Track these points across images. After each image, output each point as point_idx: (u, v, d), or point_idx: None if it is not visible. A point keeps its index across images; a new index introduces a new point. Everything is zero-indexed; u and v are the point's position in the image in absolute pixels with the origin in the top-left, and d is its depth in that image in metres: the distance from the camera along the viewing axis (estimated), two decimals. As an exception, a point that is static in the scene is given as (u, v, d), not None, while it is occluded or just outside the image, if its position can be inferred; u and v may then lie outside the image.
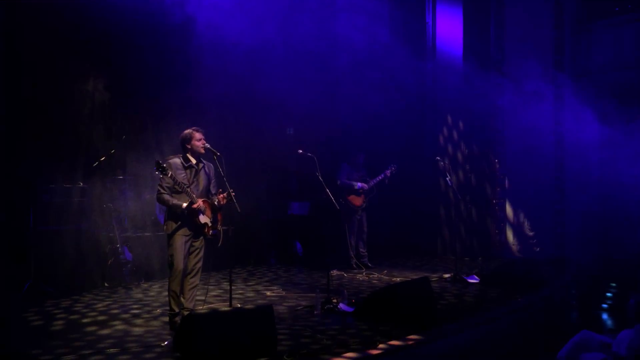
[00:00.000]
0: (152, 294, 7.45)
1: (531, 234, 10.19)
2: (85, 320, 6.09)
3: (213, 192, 5.99)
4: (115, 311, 6.50)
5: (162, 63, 8.56)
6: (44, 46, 7.66)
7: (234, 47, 8.71)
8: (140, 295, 7.33)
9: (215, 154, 5.73)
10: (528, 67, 9.95)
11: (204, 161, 5.93)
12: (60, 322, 6.05)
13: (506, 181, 10.32)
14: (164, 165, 5.51)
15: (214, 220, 5.88)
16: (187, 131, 5.83)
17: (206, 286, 6.46)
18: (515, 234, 10.28)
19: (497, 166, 10.36)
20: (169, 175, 5.52)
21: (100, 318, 6.20)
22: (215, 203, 5.87)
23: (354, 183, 9.31)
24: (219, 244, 5.85)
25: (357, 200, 9.34)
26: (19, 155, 7.26)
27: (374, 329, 5.77)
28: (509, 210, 10.32)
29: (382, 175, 9.41)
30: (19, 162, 7.24)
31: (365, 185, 9.36)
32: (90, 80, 8.20)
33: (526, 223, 10.22)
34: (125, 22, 8.03)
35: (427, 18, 11.48)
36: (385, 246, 10.80)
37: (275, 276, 8.86)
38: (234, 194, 5.70)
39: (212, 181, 6.00)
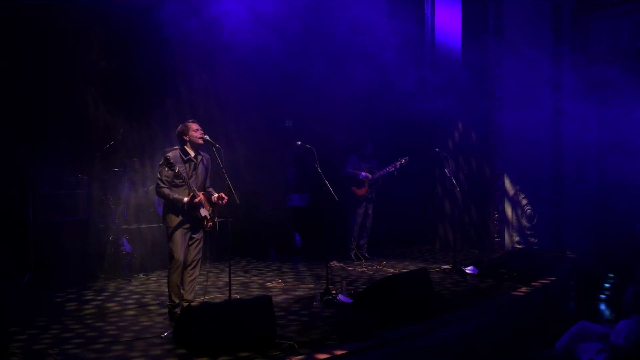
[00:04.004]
0: (151, 285, 7.48)
1: (529, 225, 10.21)
2: (83, 312, 6.11)
3: (209, 184, 5.99)
4: (115, 303, 6.52)
5: (163, 55, 8.46)
6: (41, 35, 7.62)
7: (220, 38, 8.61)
8: (139, 287, 7.35)
9: (214, 146, 5.72)
10: (527, 58, 9.94)
11: (202, 153, 5.92)
12: (58, 313, 6.06)
13: (504, 174, 10.32)
14: (172, 161, 5.49)
15: (212, 213, 5.88)
16: (183, 124, 5.82)
17: (206, 278, 6.48)
18: (513, 225, 10.30)
19: (496, 157, 10.35)
20: (177, 170, 5.50)
21: (99, 309, 6.22)
22: (213, 200, 5.86)
23: (358, 173, 9.18)
24: (216, 236, 5.86)
25: (361, 191, 9.23)
26: (18, 147, 7.24)
27: (372, 320, 5.80)
28: (507, 202, 10.33)
29: (392, 167, 9.21)
30: (17, 153, 7.22)
31: (369, 176, 9.17)
32: (91, 71, 8.15)
33: (524, 214, 10.23)
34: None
35: (426, 9, 11.45)
36: (384, 237, 10.81)
37: (274, 267, 8.89)
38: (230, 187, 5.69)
39: (209, 173, 6.00)
